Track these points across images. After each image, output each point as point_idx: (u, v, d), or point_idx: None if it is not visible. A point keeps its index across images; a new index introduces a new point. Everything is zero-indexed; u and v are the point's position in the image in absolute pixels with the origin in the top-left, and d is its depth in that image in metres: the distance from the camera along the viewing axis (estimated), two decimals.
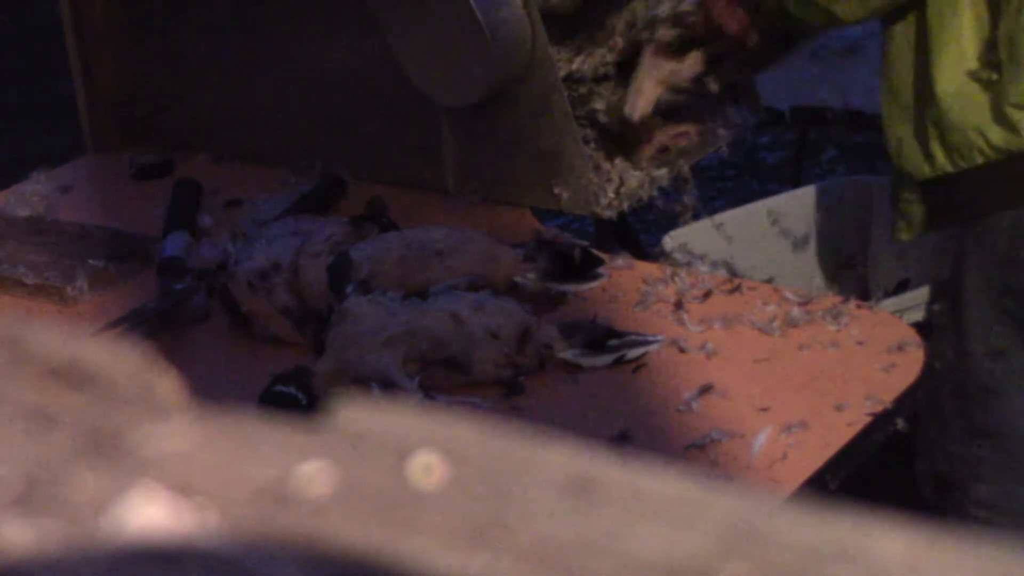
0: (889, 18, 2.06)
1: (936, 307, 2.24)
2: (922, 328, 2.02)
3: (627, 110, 2.21)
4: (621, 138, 2.24)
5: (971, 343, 2.08)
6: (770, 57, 2.26)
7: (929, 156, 2.03)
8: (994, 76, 1.96)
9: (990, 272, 2.05)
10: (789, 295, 1.92)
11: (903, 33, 2.04)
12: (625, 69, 2.28)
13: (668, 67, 2.20)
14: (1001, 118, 1.97)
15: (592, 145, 2.22)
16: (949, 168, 2.02)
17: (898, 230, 2.14)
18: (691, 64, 2.21)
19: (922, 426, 2.11)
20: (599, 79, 2.30)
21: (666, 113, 2.27)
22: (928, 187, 2.06)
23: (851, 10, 2.03)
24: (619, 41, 2.27)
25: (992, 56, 1.97)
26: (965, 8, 1.97)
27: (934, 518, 2.12)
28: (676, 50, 2.20)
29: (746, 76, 2.32)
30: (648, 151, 2.24)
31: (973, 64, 1.98)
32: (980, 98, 1.98)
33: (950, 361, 2.08)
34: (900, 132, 2.06)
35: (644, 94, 2.20)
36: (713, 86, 2.25)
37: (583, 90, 2.29)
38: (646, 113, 2.21)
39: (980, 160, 1.99)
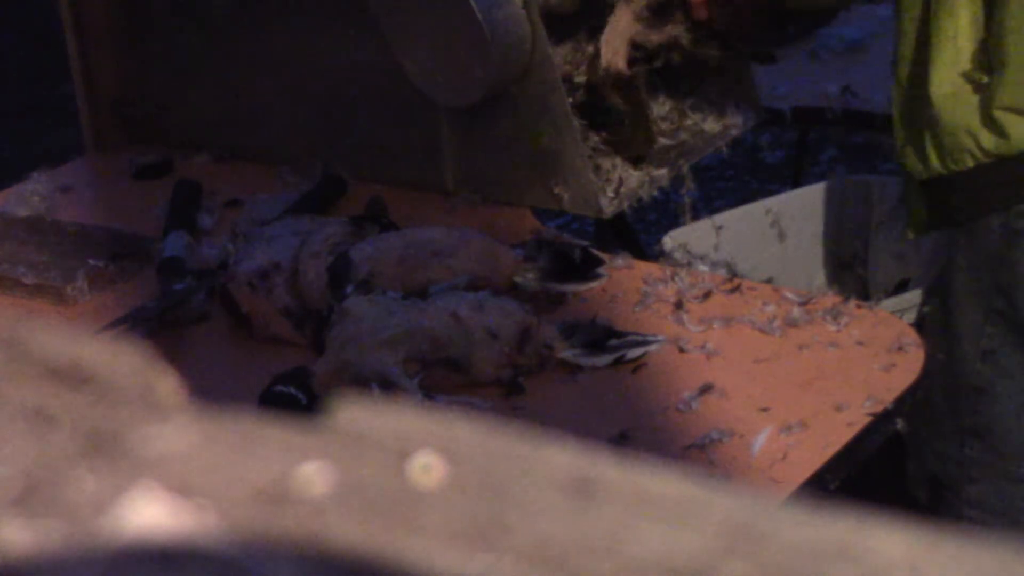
0: (898, 14, 2.06)
1: (927, 308, 2.23)
2: (921, 328, 2.02)
3: (603, 62, 2.17)
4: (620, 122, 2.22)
5: (962, 344, 2.08)
6: (758, 39, 2.23)
7: (924, 157, 2.03)
8: (984, 78, 1.96)
9: (980, 273, 2.05)
10: (789, 295, 1.92)
11: (910, 31, 2.04)
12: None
13: (637, 27, 2.17)
14: (989, 121, 1.96)
15: (593, 144, 2.21)
16: (942, 170, 2.01)
17: (906, 227, 2.14)
18: (663, 32, 2.18)
19: (914, 427, 2.11)
20: None
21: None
22: (927, 187, 2.06)
23: None
24: None
25: (983, 58, 1.96)
26: (962, 8, 1.96)
27: (930, 518, 2.12)
28: (651, 19, 2.18)
29: (733, 56, 2.27)
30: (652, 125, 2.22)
31: (967, 65, 1.97)
32: (972, 100, 1.97)
33: (941, 362, 2.08)
34: (901, 131, 2.06)
35: (613, 45, 2.17)
36: (712, 52, 2.21)
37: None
38: (619, 60, 2.17)
39: (971, 163, 1.98)
